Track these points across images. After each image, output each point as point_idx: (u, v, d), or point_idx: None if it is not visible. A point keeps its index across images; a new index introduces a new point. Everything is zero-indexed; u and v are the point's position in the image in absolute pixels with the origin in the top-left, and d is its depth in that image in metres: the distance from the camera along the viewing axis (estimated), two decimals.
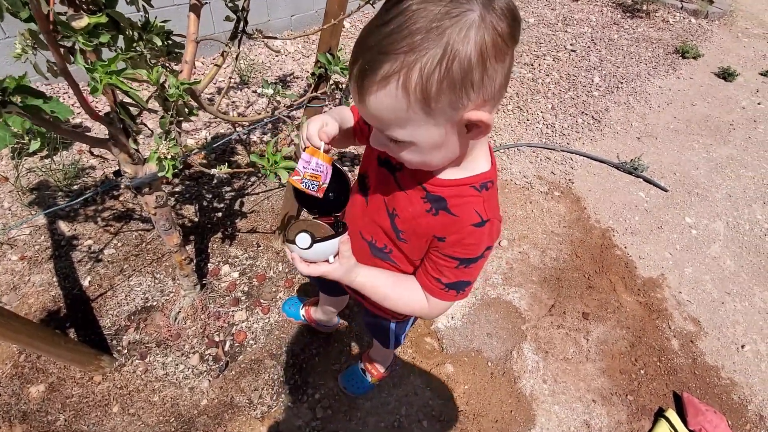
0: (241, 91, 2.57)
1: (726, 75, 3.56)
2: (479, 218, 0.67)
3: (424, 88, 0.49)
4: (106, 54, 0.93)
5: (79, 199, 1.70)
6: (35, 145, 1.02)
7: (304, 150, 0.68)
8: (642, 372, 1.68)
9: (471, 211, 0.67)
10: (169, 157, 1.00)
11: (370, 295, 0.78)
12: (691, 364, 1.73)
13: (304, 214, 1.73)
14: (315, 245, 0.67)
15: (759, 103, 3.37)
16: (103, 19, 0.80)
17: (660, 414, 1.54)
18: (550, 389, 1.59)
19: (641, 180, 2.52)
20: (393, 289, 0.78)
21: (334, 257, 0.71)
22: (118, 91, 0.93)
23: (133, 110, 1.03)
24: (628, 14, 4.30)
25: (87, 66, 0.80)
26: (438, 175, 0.68)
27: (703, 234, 2.27)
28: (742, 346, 1.81)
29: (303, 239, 0.67)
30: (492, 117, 0.54)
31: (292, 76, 2.76)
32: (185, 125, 2.19)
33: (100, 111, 0.93)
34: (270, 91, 1.28)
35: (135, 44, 0.98)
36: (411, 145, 0.58)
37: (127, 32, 0.95)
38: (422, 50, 0.47)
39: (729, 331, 1.86)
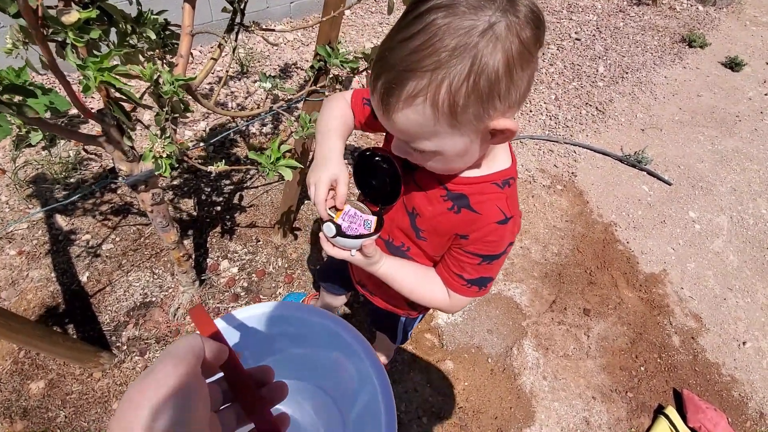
0: (240, 80, 2.52)
1: (733, 65, 3.50)
2: (503, 215, 0.67)
3: (451, 103, 0.48)
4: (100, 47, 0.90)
5: (76, 196, 1.68)
6: (36, 137, 0.99)
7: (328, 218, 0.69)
8: (642, 369, 1.68)
9: (494, 208, 0.67)
10: (164, 155, 0.97)
11: (392, 286, 0.77)
12: (691, 360, 1.73)
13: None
14: (338, 238, 0.67)
15: (766, 94, 3.31)
16: (94, 14, 0.77)
17: (660, 411, 1.55)
18: (550, 386, 1.59)
19: (645, 173, 2.49)
20: (415, 282, 0.78)
21: (357, 251, 0.70)
22: (111, 88, 0.90)
23: (127, 106, 1.01)
24: (634, 1, 4.20)
25: (78, 63, 0.77)
26: (459, 173, 0.68)
27: (706, 229, 2.25)
28: (744, 343, 1.81)
29: (329, 228, 0.67)
30: (516, 123, 0.54)
31: (292, 66, 2.71)
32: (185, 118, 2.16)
33: (92, 108, 0.90)
34: (268, 85, 1.25)
35: (128, 38, 0.95)
36: (436, 154, 0.58)
37: (120, 26, 0.91)
38: (449, 66, 0.46)
39: (730, 328, 1.86)
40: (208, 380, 0.39)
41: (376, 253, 0.71)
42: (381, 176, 0.72)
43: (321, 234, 0.70)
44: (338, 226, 0.67)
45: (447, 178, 0.68)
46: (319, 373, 0.92)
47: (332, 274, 1.30)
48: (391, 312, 1.05)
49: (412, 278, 0.77)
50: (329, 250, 0.70)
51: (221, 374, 0.42)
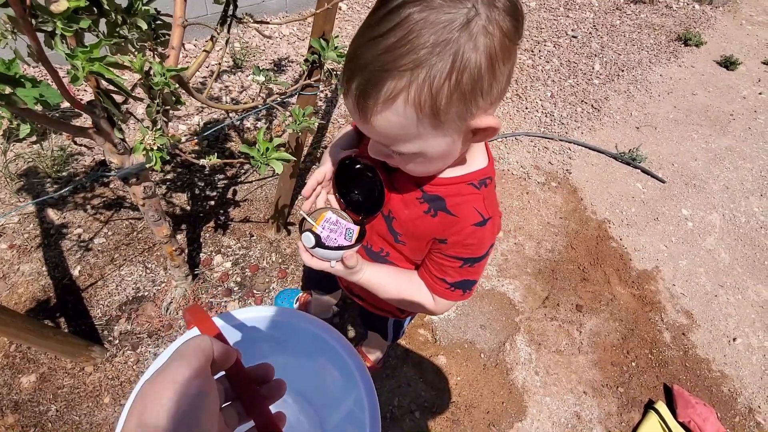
0: (234, 75, 2.51)
1: (728, 64, 3.51)
2: (480, 217, 0.65)
3: (434, 103, 0.46)
4: (89, 38, 0.89)
5: (67, 188, 1.67)
6: (25, 130, 0.98)
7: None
8: (633, 364, 1.69)
9: (471, 209, 0.65)
10: (155, 148, 0.97)
11: (375, 293, 0.76)
12: (682, 356, 1.75)
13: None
14: (317, 249, 0.64)
15: (760, 93, 3.33)
16: (83, 3, 0.76)
17: (650, 406, 1.56)
18: (542, 381, 1.60)
19: (639, 171, 2.50)
20: (399, 289, 0.76)
21: (337, 262, 0.68)
22: (101, 79, 0.89)
23: (118, 98, 1.00)
24: None
25: (67, 52, 0.76)
26: (436, 175, 0.66)
27: (698, 226, 2.27)
28: (734, 339, 1.83)
29: (307, 239, 0.64)
30: (498, 120, 0.52)
31: (287, 60, 2.70)
32: (177, 111, 2.14)
33: (81, 99, 0.89)
34: (261, 78, 1.24)
35: (119, 28, 0.94)
36: (417, 156, 0.55)
37: (110, 16, 0.90)
38: (430, 64, 0.44)
39: (721, 324, 1.87)
40: None
41: (357, 263, 0.69)
42: (364, 186, 0.69)
43: (300, 244, 0.68)
44: (317, 237, 0.64)
45: (423, 180, 0.66)
46: (300, 380, 0.91)
47: (317, 281, 1.30)
48: (379, 315, 1.04)
49: (394, 285, 0.75)
50: (308, 260, 0.68)
51: (222, 373, 0.42)
